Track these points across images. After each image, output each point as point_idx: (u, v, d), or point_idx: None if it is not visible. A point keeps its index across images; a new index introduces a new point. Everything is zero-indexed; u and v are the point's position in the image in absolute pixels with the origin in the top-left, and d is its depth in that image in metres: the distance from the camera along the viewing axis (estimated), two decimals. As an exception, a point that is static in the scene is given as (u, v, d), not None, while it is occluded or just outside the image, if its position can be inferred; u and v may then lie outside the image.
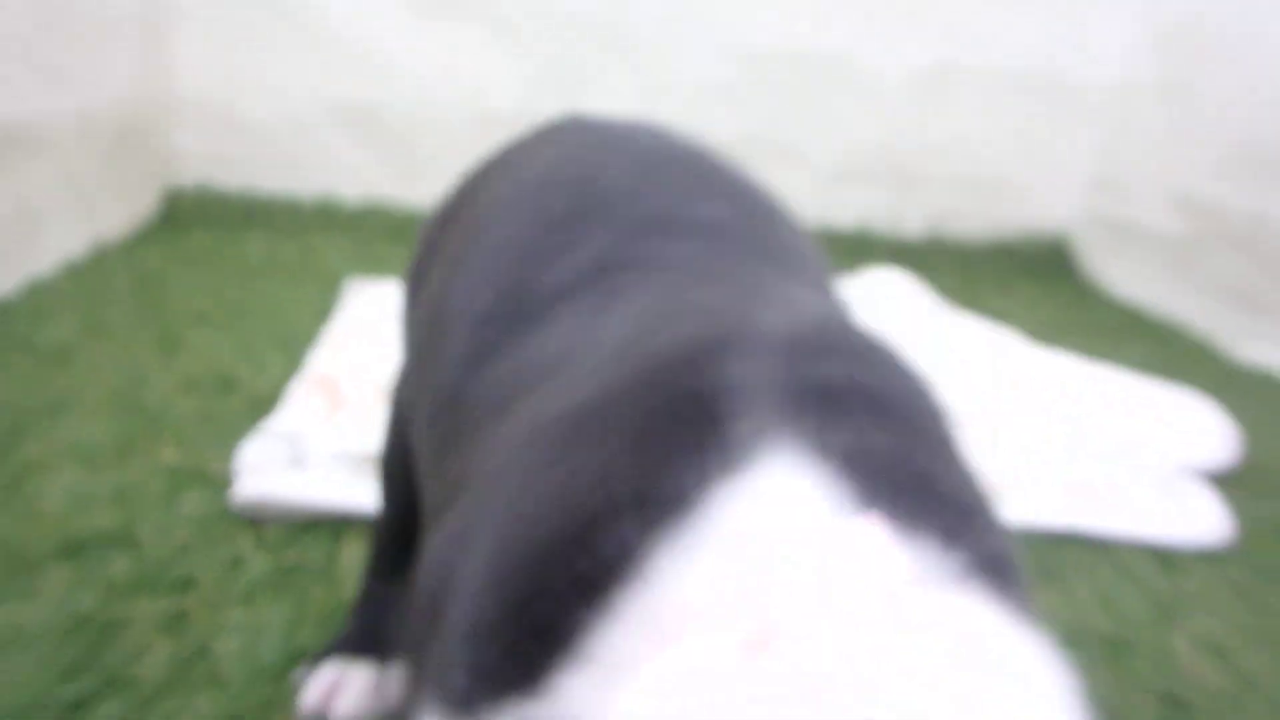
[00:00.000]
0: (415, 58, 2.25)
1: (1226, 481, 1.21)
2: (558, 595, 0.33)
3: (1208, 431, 1.26)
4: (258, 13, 2.15)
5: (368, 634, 0.76)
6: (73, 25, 1.68)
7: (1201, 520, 1.08)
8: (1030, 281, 2.29)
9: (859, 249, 2.31)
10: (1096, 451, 1.22)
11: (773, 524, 0.31)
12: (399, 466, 0.70)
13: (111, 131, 1.83)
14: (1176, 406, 1.32)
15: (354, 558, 0.91)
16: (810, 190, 2.35)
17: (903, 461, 0.35)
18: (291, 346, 1.41)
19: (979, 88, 2.37)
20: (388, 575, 0.77)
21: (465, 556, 0.38)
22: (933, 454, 0.37)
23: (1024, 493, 1.11)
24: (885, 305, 1.70)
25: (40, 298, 1.53)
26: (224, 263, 1.81)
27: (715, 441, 0.34)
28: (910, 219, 2.43)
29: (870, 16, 2.31)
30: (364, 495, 0.96)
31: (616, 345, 0.43)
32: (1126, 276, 2.23)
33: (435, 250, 0.65)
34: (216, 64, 2.16)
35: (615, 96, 2.31)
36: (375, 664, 0.75)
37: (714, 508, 0.32)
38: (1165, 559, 1.03)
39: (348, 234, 2.14)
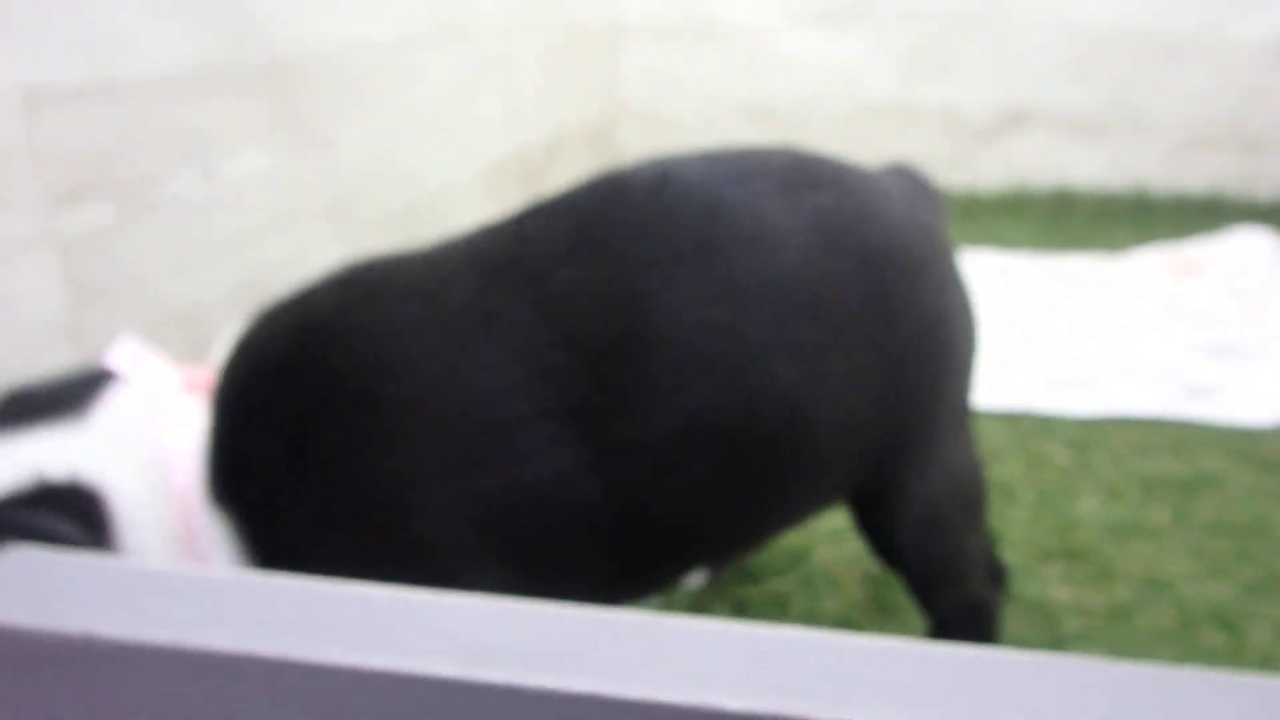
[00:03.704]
0: (801, 60, 2.70)
1: None
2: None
3: None
4: (686, 31, 2.68)
5: None
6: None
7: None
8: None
9: (1211, 212, 2.54)
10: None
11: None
12: None
13: (585, 139, 2.41)
14: None
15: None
16: (1161, 158, 2.60)
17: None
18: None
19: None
20: None
21: None
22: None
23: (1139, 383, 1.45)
24: (1240, 263, 1.97)
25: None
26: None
27: None
28: (1262, 184, 2.62)
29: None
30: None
31: None
32: None
33: None
34: (651, 75, 2.70)
35: (975, 77, 2.66)
36: None
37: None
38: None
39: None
